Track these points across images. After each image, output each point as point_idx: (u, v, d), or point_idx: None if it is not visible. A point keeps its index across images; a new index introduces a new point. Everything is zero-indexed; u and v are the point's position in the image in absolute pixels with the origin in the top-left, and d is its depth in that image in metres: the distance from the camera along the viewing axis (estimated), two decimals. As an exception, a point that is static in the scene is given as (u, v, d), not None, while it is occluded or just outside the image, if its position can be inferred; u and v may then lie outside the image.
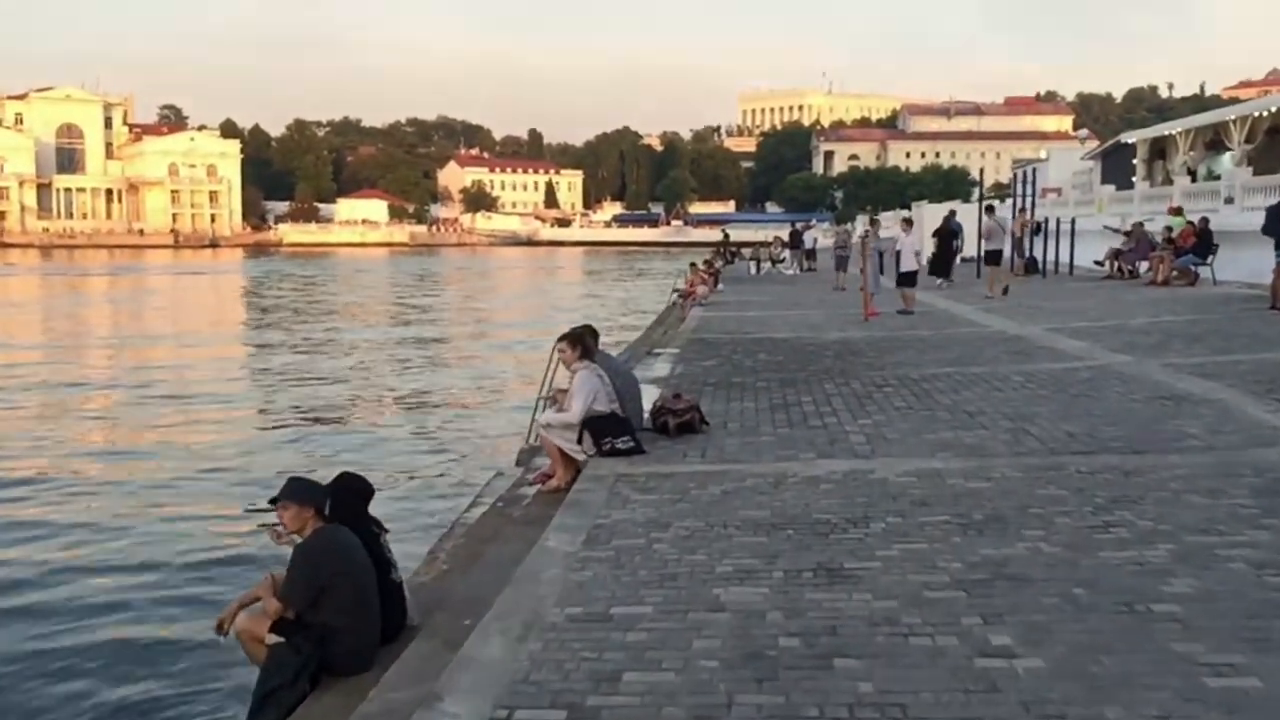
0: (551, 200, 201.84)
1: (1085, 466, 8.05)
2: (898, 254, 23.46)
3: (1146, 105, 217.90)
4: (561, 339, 9.79)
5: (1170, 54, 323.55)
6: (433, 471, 15.56)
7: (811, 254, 44.28)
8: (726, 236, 65.50)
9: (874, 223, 25.64)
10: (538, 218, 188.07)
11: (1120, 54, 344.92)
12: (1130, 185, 40.15)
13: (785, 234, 48.47)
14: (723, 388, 12.67)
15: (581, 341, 9.62)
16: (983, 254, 28.31)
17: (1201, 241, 26.13)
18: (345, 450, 16.68)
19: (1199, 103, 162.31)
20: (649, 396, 11.61)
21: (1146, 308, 20.99)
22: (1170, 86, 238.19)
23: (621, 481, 8.18)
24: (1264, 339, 15.13)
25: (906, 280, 22.03)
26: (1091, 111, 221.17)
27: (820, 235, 50.39)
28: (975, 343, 16.50)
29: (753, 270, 44.48)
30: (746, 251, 54.03)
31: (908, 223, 24.56)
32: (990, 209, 31.21)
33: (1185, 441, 8.85)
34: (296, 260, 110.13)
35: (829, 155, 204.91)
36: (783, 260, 45.57)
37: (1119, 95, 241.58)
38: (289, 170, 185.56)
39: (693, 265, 30.10)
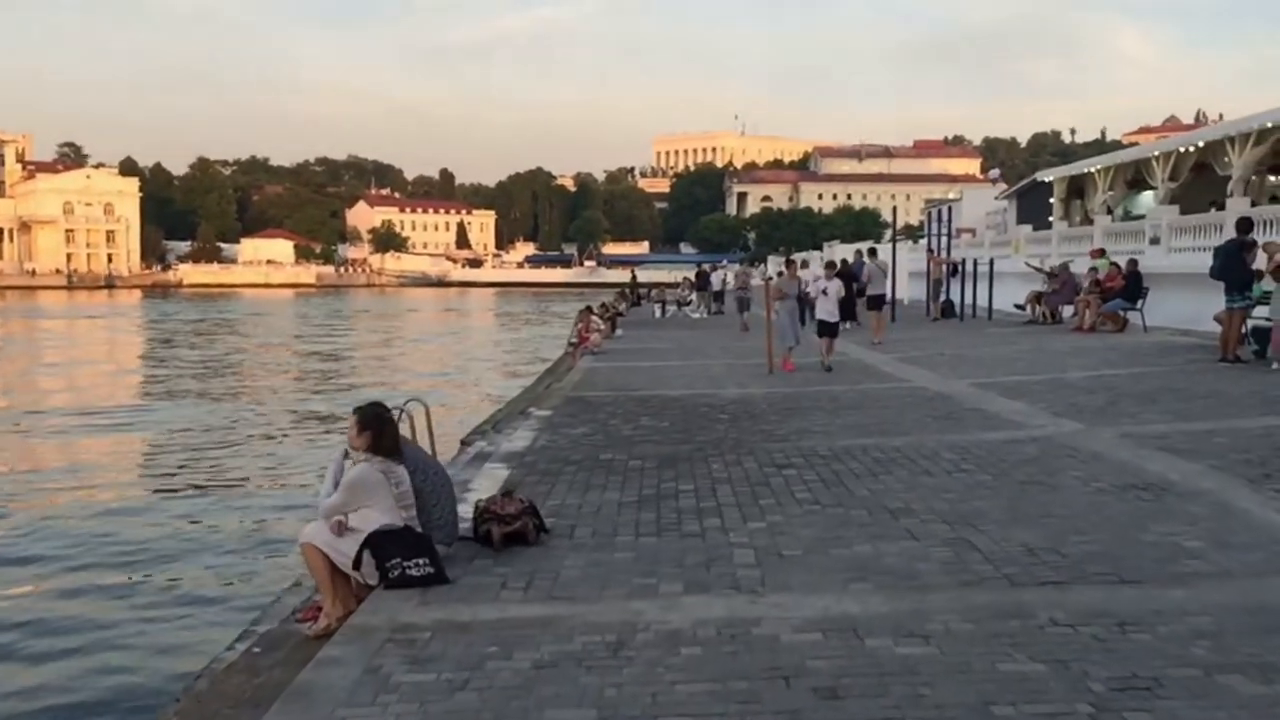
0: (463, 241, 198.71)
1: (1061, 610, 5.63)
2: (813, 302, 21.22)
3: (1050, 150, 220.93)
4: (355, 412, 7.20)
5: (1071, 101, 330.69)
6: (213, 584, 11.76)
7: (719, 296, 42.06)
8: (634, 277, 63.23)
9: (790, 264, 22.69)
10: (449, 258, 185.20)
11: (1023, 101, 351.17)
12: (1047, 225, 38.60)
13: (693, 275, 46.26)
14: (586, 468, 10.13)
15: (374, 424, 7.01)
16: (866, 298, 26.25)
17: (1131, 284, 24.27)
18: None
19: (1100, 147, 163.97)
20: (494, 482, 9.16)
21: (1080, 358, 18.91)
22: (1073, 132, 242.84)
23: (394, 642, 5.57)
24: (1229, 400, 12.97)
25: (827, 330, 19.36)
26: (997, 155, 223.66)
27: (730, 276, 48.19)
28: (894, 403, 14.17)
29: (658, 313, 42.14)
30: (656, 293, 51.78)
31: (831, 267, 22.06)
32: (872, 252, 29.30)
33: (1186, 563, 6.48)
34: (194, 302, 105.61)
35: (742, 196, 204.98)
36: (689, 303, 43.30)
37: (1023, 140, 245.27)
38: (191, 209, 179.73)
39: (584, 310, 27.51)
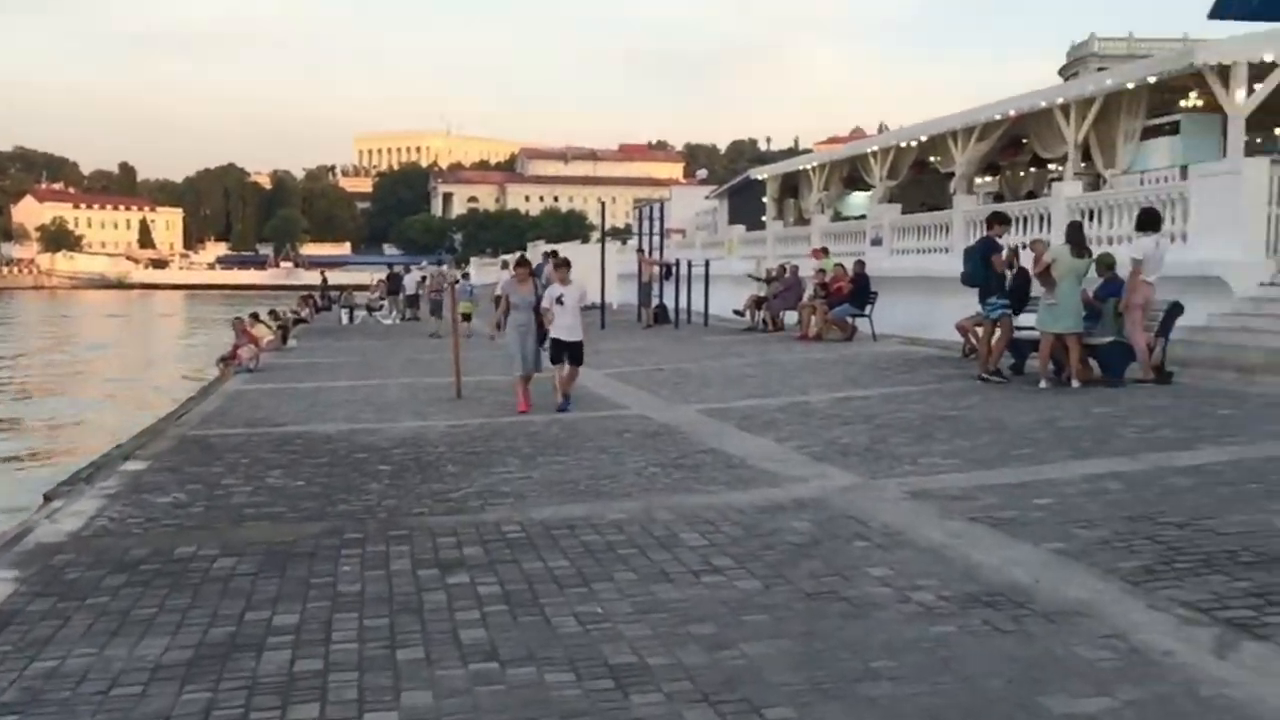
0: (147, 240, 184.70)
1: None
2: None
3: (748, 156, 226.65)
4: None
5: (768, 113, 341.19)
6: None
7: (414, 300, 38.13)
8: (325, 280, 58.13)
9: (523, 264, 15.49)
10: (130, 258, 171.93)
11: (723, 111, 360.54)
12: (761, 225, 36.88)
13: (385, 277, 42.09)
14: (139, 581, 6.43)
15: None
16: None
17: (859, 288, 22.27)
18: None
19: (794, 154, 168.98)
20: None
21: (817, 374, 16.45)
22: (769, 140, 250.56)
23: None
24: (1018, 434, 10.47)
25: (565, 353, 13.80)
26: (699, 160, 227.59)
27: (425, 278, 44.34)
28: (611, 442, 11.03)
29: (345, 319, 37.86)
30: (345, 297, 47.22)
31: (553, 258, 15.83)
32: (553, 255, 26.39)
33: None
34: None
35: (448, 197, 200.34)
36: (380, 308, 39.19)
37: (723, 146, 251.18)
38: None
39: (237, 320, 23.12)
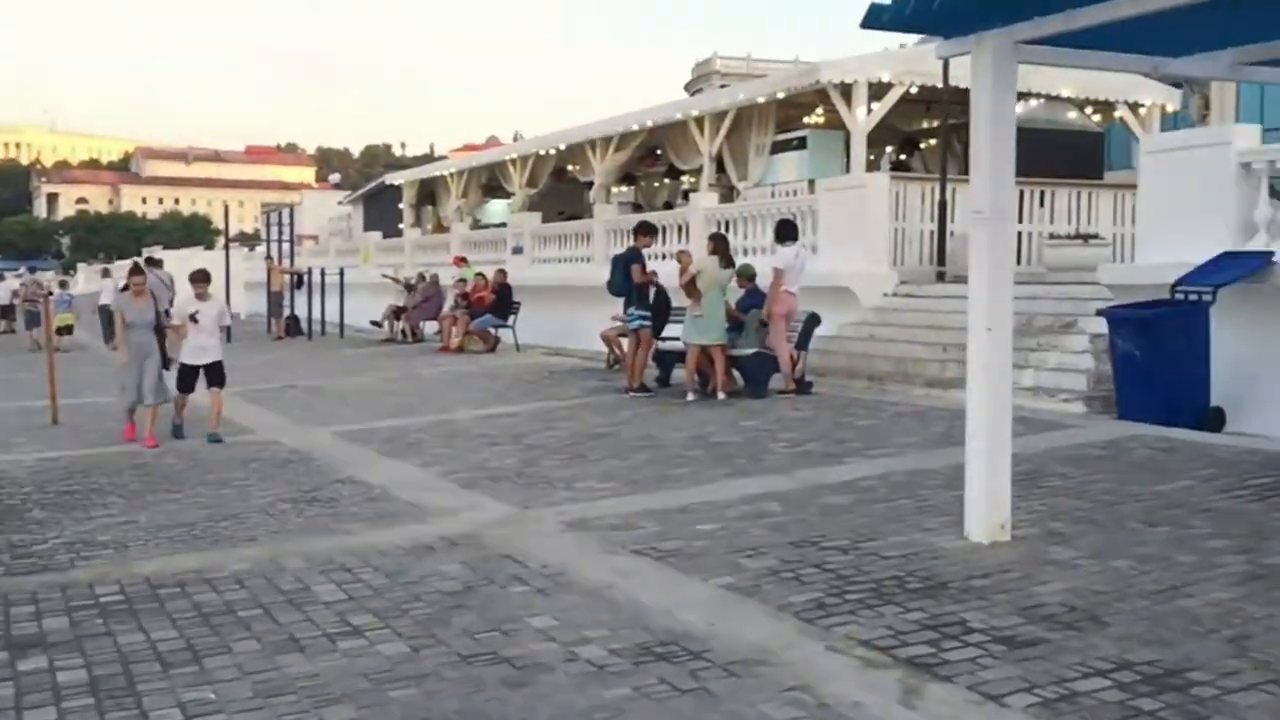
0: None
1: None
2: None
3: (383, 161, 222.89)
4: None
5: (402, 118, 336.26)
6: None
7: (8, 311, 34.22)
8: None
9: (138, 271, 12.27)
10: None
11: (356, 113, 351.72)
12: (399, 232, 35.76)
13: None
14: None
15: None
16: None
17: (501, 299, 21.75)
18: None
19: (430, 160, 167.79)
20: None
21: (462, 389, 15.74)
22: (404, 145, 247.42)
23: None
24: (672, 451, 10.15)
25: (194, 379, 12.06)
26: (331, 164, 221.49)
27: (18, 286, 39.99)
28: (233, 473, 9.85)
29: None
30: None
31: (203, 279, 12.98)
32: (152, 262, 24.71)
33: None
34: None
35: (53, 198, 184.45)
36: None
37: (357, 151, 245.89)
38: None
39: None
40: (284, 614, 5.72)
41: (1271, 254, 10.92)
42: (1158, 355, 10.69)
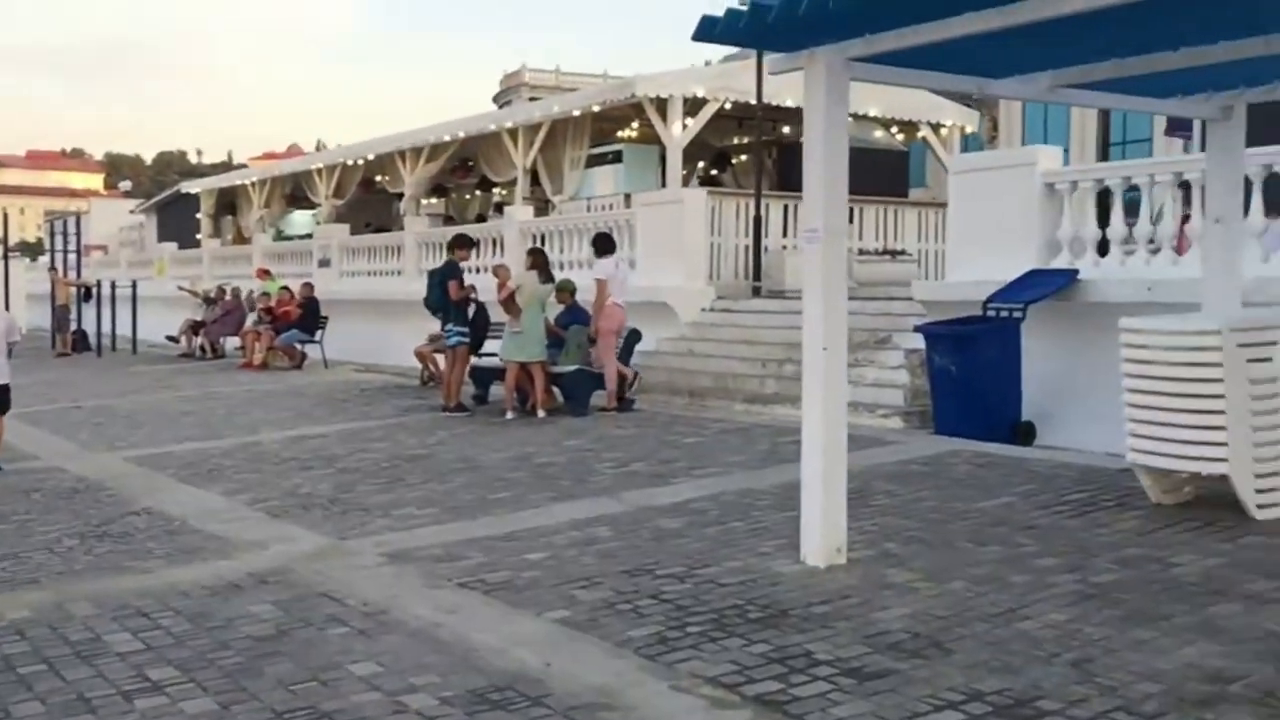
0: None
1: None
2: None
3: (177, 169, 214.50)
4: None
5: (196, 124, 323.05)
6: None
7: None
8: None
9: None
10: None
11: (147, 119, 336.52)
12: (196, 243, 34.21)
13: None
14: None
15: None
16: None
17: (307, 313, 20.93)
18: None
19: (228, 168, 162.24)
20: None
21: (267, 409, 14.98)
22: (200, 152, 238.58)
23: None
24: (491, 475, 9.76)
25: None
26: (122, 171, 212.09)
27: None
28: (12, 505, 8.98)
29: None
30: None
31: None
32: None
33: None
34: None
35: None
36: None
37: (149, 158, 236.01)
38: None
39: None
40: (72, 669, 5.14)
41: (1076, 271, 11.30)
42: (973, 370, 10.91)
